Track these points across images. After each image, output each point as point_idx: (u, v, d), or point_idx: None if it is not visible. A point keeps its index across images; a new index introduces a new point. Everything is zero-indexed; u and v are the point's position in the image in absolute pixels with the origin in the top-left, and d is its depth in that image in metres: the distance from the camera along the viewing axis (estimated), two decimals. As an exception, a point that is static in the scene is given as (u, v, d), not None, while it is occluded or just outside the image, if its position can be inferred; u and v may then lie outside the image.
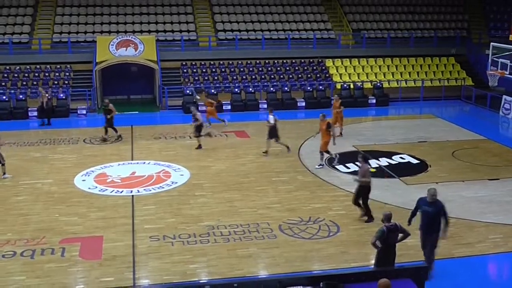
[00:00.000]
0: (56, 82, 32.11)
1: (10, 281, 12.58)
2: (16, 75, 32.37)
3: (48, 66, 33.09)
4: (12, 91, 30.75)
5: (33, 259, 13.62)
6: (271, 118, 22.03)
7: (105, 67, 31.51)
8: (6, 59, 32.63)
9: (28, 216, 16.30)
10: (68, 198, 17.71)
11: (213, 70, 34.17)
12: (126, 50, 32.14)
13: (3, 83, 31.64)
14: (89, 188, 18.57)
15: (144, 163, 21.32)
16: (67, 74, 32.98)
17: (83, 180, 19.33)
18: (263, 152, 22.24)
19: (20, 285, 12.40)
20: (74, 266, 13.34)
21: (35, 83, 31.87)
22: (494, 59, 28.57)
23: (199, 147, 22.93)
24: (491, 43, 29.38)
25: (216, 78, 33.72)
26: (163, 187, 18.58)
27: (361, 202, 15.58)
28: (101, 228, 15.39)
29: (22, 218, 16.16)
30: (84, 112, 29.88)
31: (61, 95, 30.41)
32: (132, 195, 17.93)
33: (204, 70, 34.15)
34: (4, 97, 29.77)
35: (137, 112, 31.07)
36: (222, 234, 14.90)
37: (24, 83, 32.04)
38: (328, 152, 20.74)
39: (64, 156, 22.19)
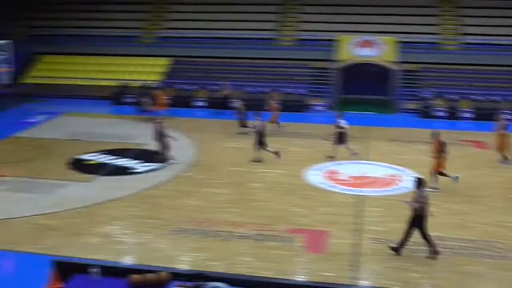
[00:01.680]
0: (295, 78, 33.41)
1: (239, 261, 13.38)
2: (258, 68, 34.32)
3: (289, 62, 34.52)
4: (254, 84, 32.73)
5: (262, 244, 14.33)
6: (342, 122, 21.23)
7: (344, 66, 31.96)
8: (251, 53, 34.73)
9: (260, 202, 17.21)
10: (298, 190, 18.32)
11: (456, 75, 32.72)
12: (366, 50, 32.28)
13: (247, 76, 33.74)
14: (319, 183, 19.01)
15: (376, 164, 21.23)
16: (307, 70, 34.09)
17: (314, 175, 19.84)
18: (329, 157, 21.52)
19: (248, 266, 13.11)
20: (298, 256, 13.74)
21: (275, 77, 33.48)
22: None
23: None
24: None
25: (458, 83, 32.27)
26: (392, 191, 18.32)
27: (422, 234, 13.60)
28: (327, 223, 15.66)
29: (256, 204, 17.11)
30: (321, 108, 30.66)
31: (300, 90, 31.58)
32: (361, 195, 17.97)
33: (446, 75, 32.90)
34: (249, 89, 31.88)
35: (373, 112, 31.03)
36: (448, 246, 14.24)
37: (266, 77, 33.82)
38: (444, 174, 18.56)
39: (299, 150, 23.00)
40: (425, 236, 13.58)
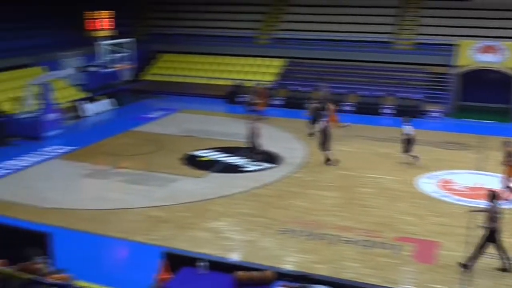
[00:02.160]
0: (411, 83, 32.61)
1: (344, 266, 13.23)
2: (373, 72, 33.83)
3: (406, 67, 33.75)
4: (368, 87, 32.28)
5: (369, 250, 14.09)
6: (407, 129, 20.44)
7: (463, 71, 30.80)
8: (366, 56, 34.29)
9: (369, 208, 16.93)
10: (408, 197, 17.85)
11: None
12: (488, 56, 30.90)
13: (361, 79, 33.35)
14: (432, 192, 18.42)
15: (494, 175, 20.14)
16: (424, 75, 33.17)
17: (427, 183, 19.25)
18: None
19: (354, 272, 12.93)
20: (406, 265, 13.39)
21: (391, 81, 32.86)
22: None
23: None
24: None
25: None
26: (511, 204, 17.39)
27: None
28: (438, 233, 15.13)
29: (364, 209, 16.86)
30: (437, 115, 29.74)
31: (416, 95, 30.79)
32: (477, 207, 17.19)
33: None
34: (365, 93, 31.50)
35: (492, 121, 29.66)
36: None
37: (381, 80, 33.25)
38: None
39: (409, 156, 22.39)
40: (500, 249, 13.03)
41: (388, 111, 30.35)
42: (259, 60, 37.05)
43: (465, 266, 13.05)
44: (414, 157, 21.12)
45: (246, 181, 19.27)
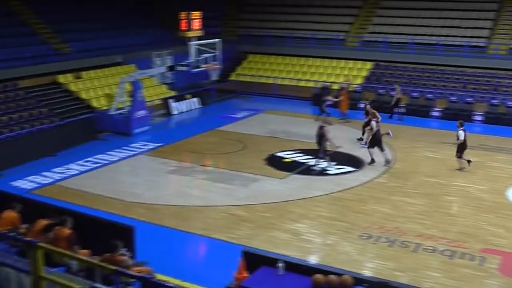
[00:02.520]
0: (504, 89, 31.38)
1: (425, 275, 12.89)
2: (467, 78, 32.79)
3: (499, 72, 32.52)
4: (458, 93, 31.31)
5: (452, 260, 13.67)
6: (460, 134, 19.83)
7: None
8: (461, 61, 33.28)
9: (454, 217, 16.44)
10: (498, 208, 17.14)
11: None
12: None
13: (451, 84, 32.43)
14: (522, 204, 17.68)
15: None
16: (519, 82, 31.89)
17: (518, 194, 18.48)
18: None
19: (435, 282, 12.59)
20: (490, 278, 12.90)
21: (483, 87, 31.77)
22: None
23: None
24: None
25: None
26: None
27: None
28: (527, 247, 14.52)
29: (449, 218, 16.37)
30: (531, 123, 28.49)
31: (510, 103, 29.61)
32: None
33: None
34: (454, 98, 30.67)
35: None
36: None
37: (473, 86, 32.17)
38: None
39: (500, 165, 21.54)
40: None
41: (479, 118, 29.31)
42: (347, 63, 36.69)
43: None
44: (462, 162, 20.73)
45: (328, 184, 19.16)
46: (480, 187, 19.04)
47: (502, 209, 17.13)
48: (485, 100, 30.46)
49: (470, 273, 13.05)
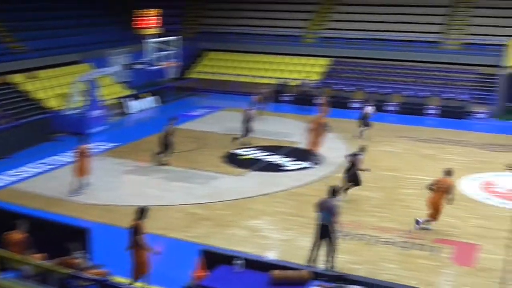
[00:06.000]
0: (458, 83, 32.03)
1: (382, 267, 13.12)
2: (422, 72, 33.32)
3: (453, 67, 33.16)
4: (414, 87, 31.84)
5: (408, 252, 13.94)
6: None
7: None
8: (416, 56, 33.82)
9: (410, 209, 16.71)
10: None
11: None
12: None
13: (407, 79, 32.91)
14: (474, 194, 18.09)
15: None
16: (471, 76, 32.52)
17: (469, 185, 18.90)
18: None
19: (391, 273, 12.81)
20: (444, 268, 13.21)
21: (437, 81, 32.35)
22: None
23: None
24: None
25: None
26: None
27: None
28: (479, 236, 14.87)
29: (405, 210, 16.67)
30: (483, 116, 29.16)
31: (462, 96, 30.26)
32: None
33: None
34: (409, 93, 31.12)
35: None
36: None
37: (427, 81, 32.73)
38: None
39: (454, 158, 22.01)
40: None
41: (433, 111, 29.89)
42: (304, 59, 36.93)
43: None
44: None
45: (286, 180, 19.27)
46: (434, 179, 19.36)
47: (455, 199, 17.47)
48: (439, 94, 31.05)
49: (426, 263, 13.34)
